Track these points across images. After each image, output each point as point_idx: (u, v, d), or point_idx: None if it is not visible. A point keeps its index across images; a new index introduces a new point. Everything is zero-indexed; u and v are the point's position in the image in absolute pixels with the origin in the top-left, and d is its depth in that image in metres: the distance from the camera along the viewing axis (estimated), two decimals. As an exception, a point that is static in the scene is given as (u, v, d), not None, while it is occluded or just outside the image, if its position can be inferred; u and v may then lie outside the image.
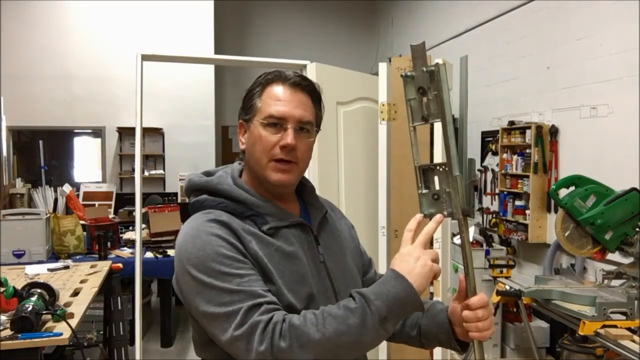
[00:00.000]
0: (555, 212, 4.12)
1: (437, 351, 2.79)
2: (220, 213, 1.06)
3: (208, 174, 1.16)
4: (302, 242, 1.11)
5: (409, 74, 1.06)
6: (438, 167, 1.06)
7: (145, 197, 5.42)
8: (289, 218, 1.11)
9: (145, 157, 7.32)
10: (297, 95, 1.10)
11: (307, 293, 1.05)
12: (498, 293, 2.81)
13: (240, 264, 0.99)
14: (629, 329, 2.23)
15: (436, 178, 1.06)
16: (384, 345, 2.83)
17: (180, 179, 6.47)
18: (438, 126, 2.63)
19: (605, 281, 2.65)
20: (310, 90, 1.13)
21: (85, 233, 4.20)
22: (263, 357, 0.92)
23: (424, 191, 1.07)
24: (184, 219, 4.66)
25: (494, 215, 4.99)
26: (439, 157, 2.67)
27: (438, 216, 1.04)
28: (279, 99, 1.09)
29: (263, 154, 1.08)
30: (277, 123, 1.08)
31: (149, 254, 4.20)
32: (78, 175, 8.47)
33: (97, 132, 7.62)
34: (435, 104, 1.04)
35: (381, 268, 2.72)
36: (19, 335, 1.96)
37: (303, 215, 1.16)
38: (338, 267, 1.15)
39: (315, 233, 1.15)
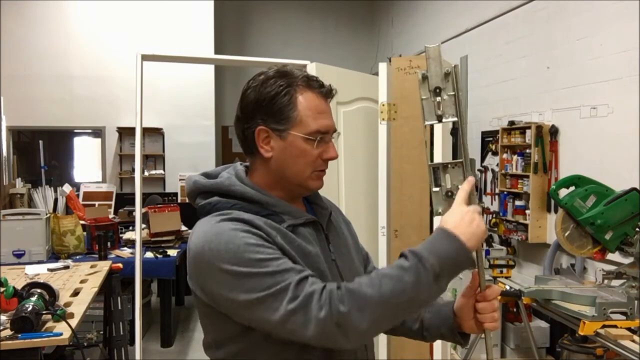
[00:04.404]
0: (555, 212, 4.12)
1: (437, 350, 2.79)
2: (240, 213, 1.05)
3: (208, 175, 1.15)
4: (317, 240, 1.12)
5: (425, 73, 1.08)
6: (450, 165, 1.09)
7: (145, 197, 5.42)
8: (303, 216, 1.11)
9: (145, 157, 7.32)
10: (328, 104, 1.12)
11: None
12: (498, 293, 2.81)
13: (271, 249, 0.99)
14: (629, 329, 2.23)
15: (448, 176, 1.09)
16: (383, 344, 2.83)
17: (180, 179, 6.47)
18: (438, 126, 2.64)
19: (605, 281, 2.65)
20: (331, 97, 1.14)
21: (85, 233, 4.20)
22: (323, 324, 0.91)
23: (436, 189, 1.10)
24: (184, 219, 4.67)
25: (494, 215, 4.99)
26: (439, 156, 2.67)
27: (470, 177, 1.07)
28: (319, 112, 1.09)
29: (308, 167, 1.09)
30: (321, 137, 1.09)
31: (149, 254, 4.20)
32: (78, 175, 8.47)
33: (97, 132, 7.62)
34: (450, 103, 1.08)
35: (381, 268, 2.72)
36: (19, 335, 1.96)
37: (310, 214, 1.17)
38: (347, 266, 1.16)
39: (325, 232, 1.16)
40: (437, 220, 2.72)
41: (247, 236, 0.99)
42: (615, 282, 2.61)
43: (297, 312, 0.93)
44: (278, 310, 0.93)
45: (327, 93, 1.12)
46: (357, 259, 1.23)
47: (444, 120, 1.09)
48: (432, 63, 1.07)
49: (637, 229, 2.45)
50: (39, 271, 2.99)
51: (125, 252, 4.19)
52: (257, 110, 1.09)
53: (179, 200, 6.10)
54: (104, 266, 3.20)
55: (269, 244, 1.00)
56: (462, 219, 1.00)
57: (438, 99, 1.08)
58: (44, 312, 2.08)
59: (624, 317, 2.29)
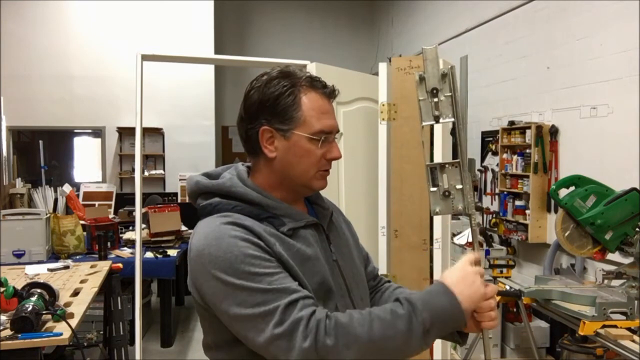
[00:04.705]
0: (555, 212, 4.12)
1: (437, 350, 2.79)
2: (240, 216, 1.04)
3: (209, 175, 1.14)
4: (317, 242, 1.11)
5: (422, 75, 1.09)
6: (447, 166, 1.10)
7: (145, 197, 5.42)
8: (304, 218, 1.11)
9: (145, 157, 7.32)
10: (332, 105, 1.12)
11: (326, 292, 1.06)
12: (498, 293, 2.82)
13: (268, 262, 0.98)
14: (629, 329, 2.23)
15: (445, 176, 1.10)
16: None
17: (180, 179, 6.47)
18: (438, 126, 2.64)
19: (605, 281, 2.65)
20: (334, 97, 1.15)
21: (85, 233, 4.20)
22: (306, 354, 0.91)
23: (433, 189, 1.11)
24: (184, 219, 4.67)
25: (494, 215, 4.99)
26: (439, 156, 2.67)
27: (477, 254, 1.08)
28: (323, 112, 1.09)
29: (312, 167, 1.09)
30: (325, 137, 1.09)
31: (149, 254, 4.20)
32: (78, 175, 8.47)
33: (97, 132, 7.62)
34: (448, 104, 1.08)
35: (381, 268, 2.72)
36: (19, 335, 1.96)
37: (311, 215, 1.17)
38: (348, 266, 1.16)
39: (326, 232, 1.16)
40: (436, 220, 2.72)
41: (247, 246, 0.98)
42: (615, 282, 2.61)
43: (282, 337, 0.92)
44: (263, 332, 0.93)
45: (330, 93, 1.12)
46: (358, 259, 1.23)
47: (441, 121, 1.10)
48: (430, 64, 1.08)
49: (637, 229, 2.45)
50: (39, 271, 2.99)
51: (125, 252, 4.19)
52: (260, 110, 1.08)
53: (179, 200, 6.09)
54: (104, 266, 3.19)
55: (269, 255, 1.00)
56: (463, 279, 1.01)
57: (435, 99, 1.08)
58: (44, 312, 2.08)
59: (624, 317, 2.29)
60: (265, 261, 0.98)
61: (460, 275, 1.02)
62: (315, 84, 1.10)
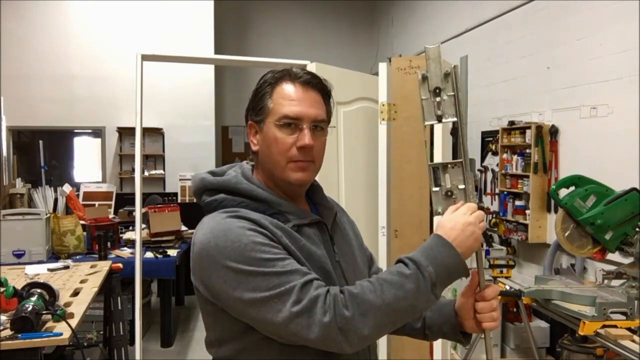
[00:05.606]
0: (555, 212, 4.12)
1: (437, 350, 2.79)
2: (247, 211, 1.05)
3: (214, 173, 1.15)
4: (321, 241, 1.12)
5: (425, 74, 1.09)
6: (450, 165, 1.10)
7: (145, 197, 5.43)
8: (309, 216, 1.12)
9: (145, 157, 7.32)
10: (309, 94, 1.10)
11: None
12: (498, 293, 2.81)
13: (277, 249, 1.00)
14: (629, 329, 2.22)
15: (447, 176, 1.10)
16: (383, 344, 2.83)
17: (180, 179, 6.47)
18: (438, 126, 2.64)
19: (605, 281, 2.65)
20: (321, 88, 1.13)
21: (85, 233, 4.20)
22: (327, 328, 0.93)
23: (435, 189, 1.11)
24: (184, 219, 4.67)
25: (494, 215, 4.99)
26: (439, 156, 2.67)
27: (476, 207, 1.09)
28: (291, 99, 1.08)
29: (281, 156, 1.08)
30: (292, 123, 1.07)
31: (149, 254, 4.20)
32: (78, 175, 8.47)
33: (97, 132, 7.62)
34: (450, 103, 1.08)
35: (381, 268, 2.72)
36: (19, 335, 1.96)
37: (315, 215, 1.17)
38: (350, 267, 1.17)
39: (330, 233, 1.16)
40: (436, 220, 2.72)
41: (254, 235, 0.99)
42: (615, 282, 2.61)
43: (301, 315, 0.93)
44: (282, 311, 0.94)
45: (306, 82, 1.10)
46: (360, 260, 1.23)
47: (443, 120, 1.09)
48: (432, 64, 1.08)
49: (637, 229, 2.45)
50: (39, 271, 2.99)
51: (125, 252, 4.19)
52: (249, 106, 1.14)
53: (179, 201, 6.10)
54: (104, 266, 3.19)
55: (275, 243, 1.01)
56: (462, 231, 1.02)
57: (438, 99, 1.08)
58: (44, 312, 2.08)
59: (624, 317, 2.29)
60: (274, 248, 0.99)
61: (460, 225, 1.03)
62: (294, 75, 1.11)
